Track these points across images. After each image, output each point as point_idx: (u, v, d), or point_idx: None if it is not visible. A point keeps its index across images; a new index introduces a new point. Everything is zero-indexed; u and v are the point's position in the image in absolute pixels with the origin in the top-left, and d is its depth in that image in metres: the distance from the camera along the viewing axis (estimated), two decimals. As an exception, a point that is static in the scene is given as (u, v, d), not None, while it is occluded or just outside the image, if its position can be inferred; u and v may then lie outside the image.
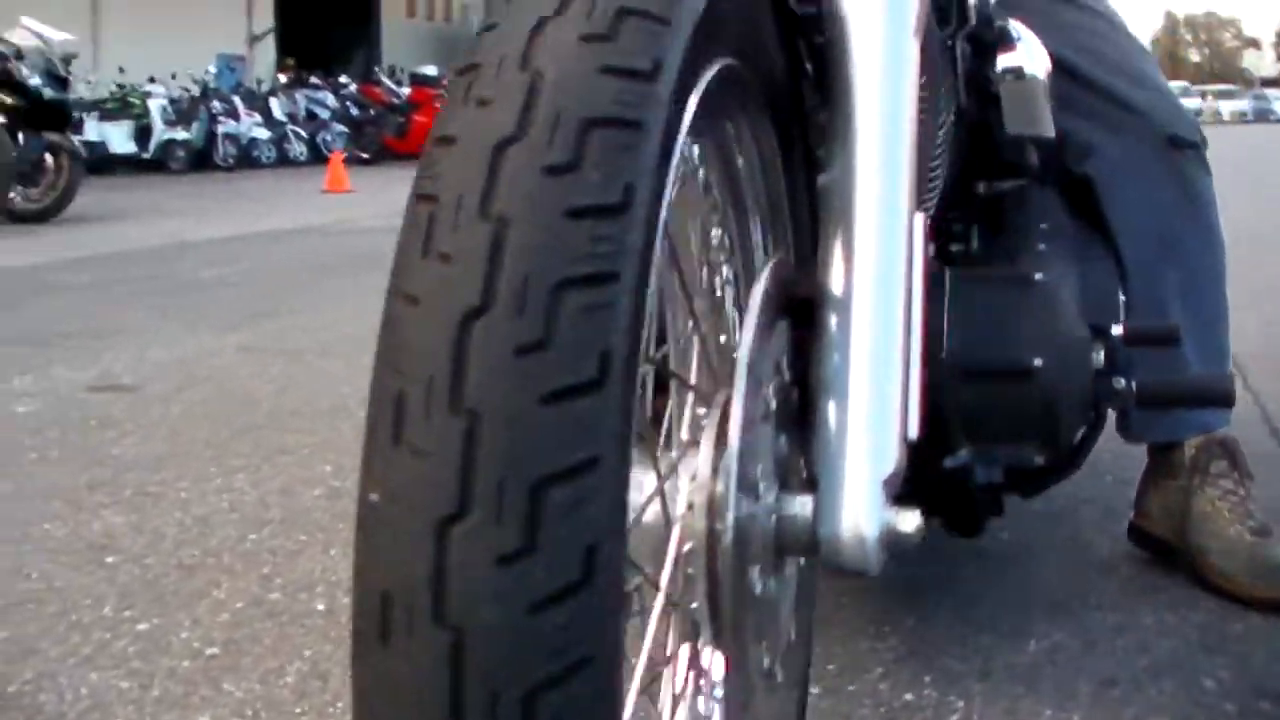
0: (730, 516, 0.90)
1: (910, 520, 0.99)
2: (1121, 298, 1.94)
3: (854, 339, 1.02)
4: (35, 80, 8.09)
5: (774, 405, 0.98)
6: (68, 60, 8.91)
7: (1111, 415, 1.96)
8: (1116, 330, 1.67)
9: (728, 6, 0.91)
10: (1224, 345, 1.99)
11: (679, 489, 0.94)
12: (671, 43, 0.79)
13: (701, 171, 1.14)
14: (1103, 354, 1.73)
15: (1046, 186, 1.95)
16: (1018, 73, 1.65)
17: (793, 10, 1.13)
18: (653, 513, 0.93)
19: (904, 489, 1.54)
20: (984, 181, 1.92)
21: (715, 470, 0.92)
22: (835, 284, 1.04)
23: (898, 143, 1.08)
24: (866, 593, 1.97)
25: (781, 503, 0.99)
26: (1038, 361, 1.60)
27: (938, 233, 1.76)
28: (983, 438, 1.63)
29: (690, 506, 0.93)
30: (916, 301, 1.04)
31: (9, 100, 8.02)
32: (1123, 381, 1.74)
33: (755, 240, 1.21)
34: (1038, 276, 1.66)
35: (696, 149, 1.09)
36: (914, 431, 1.01)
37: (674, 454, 0.99)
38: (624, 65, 0.77)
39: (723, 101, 1.05)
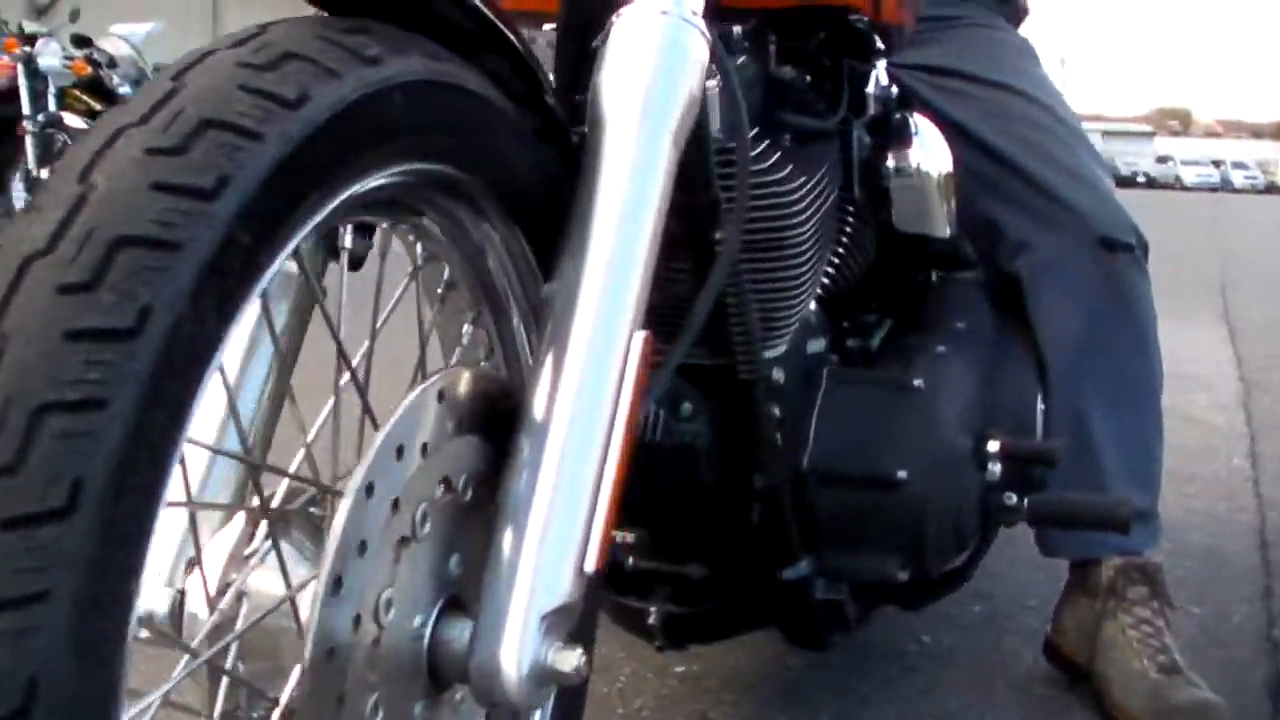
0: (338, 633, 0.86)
1: (569, 659, 0.94)
2: (1040, 406, 1.86)
3: (544, 462, 0.98)
4: (125, 89, 8.29)
5: (424, 525, 0.93)
6: (159, 68, 9.09)
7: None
8: (993, 446, 1.59)
9: (391, 117, 0.88)
10: (1149, 464, 1.89)
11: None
12: (250, 159, 0.76)
13: (448, 270, 1.11)
14: (997, 467, 1.66)
15: (970, 283, 1.88)
16: (906, 170, 1.59)
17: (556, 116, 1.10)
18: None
19: (734, 594, 1.49)
20: (900, 275, 1.87)
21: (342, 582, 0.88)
22: (538, 402, 0.99)
23: (630, 255, 1.04)
24: (747, 692, 1.91)
25: (440, 626, 0.95)
26: (902, 473, 1.53)
27: (837, 327, 1.70)
28: (837, 548, 1.56)
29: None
30: (619, 429, 0.99)
31: (100, 109, 8.24)
32: (1014, 497, 1.67)
33: (520, 341, 1.17)
34: (916, 382, 1.60)
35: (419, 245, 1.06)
36: (592, 564, 0.97)
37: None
38: (181, 182, 0.74)
39: (437, 203, 1.02)
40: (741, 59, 1.39)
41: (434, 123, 0.93)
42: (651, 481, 1.47)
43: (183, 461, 0.86)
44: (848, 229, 1.67)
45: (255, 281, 0.77)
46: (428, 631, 0.94)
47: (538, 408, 0.99)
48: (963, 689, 1.95)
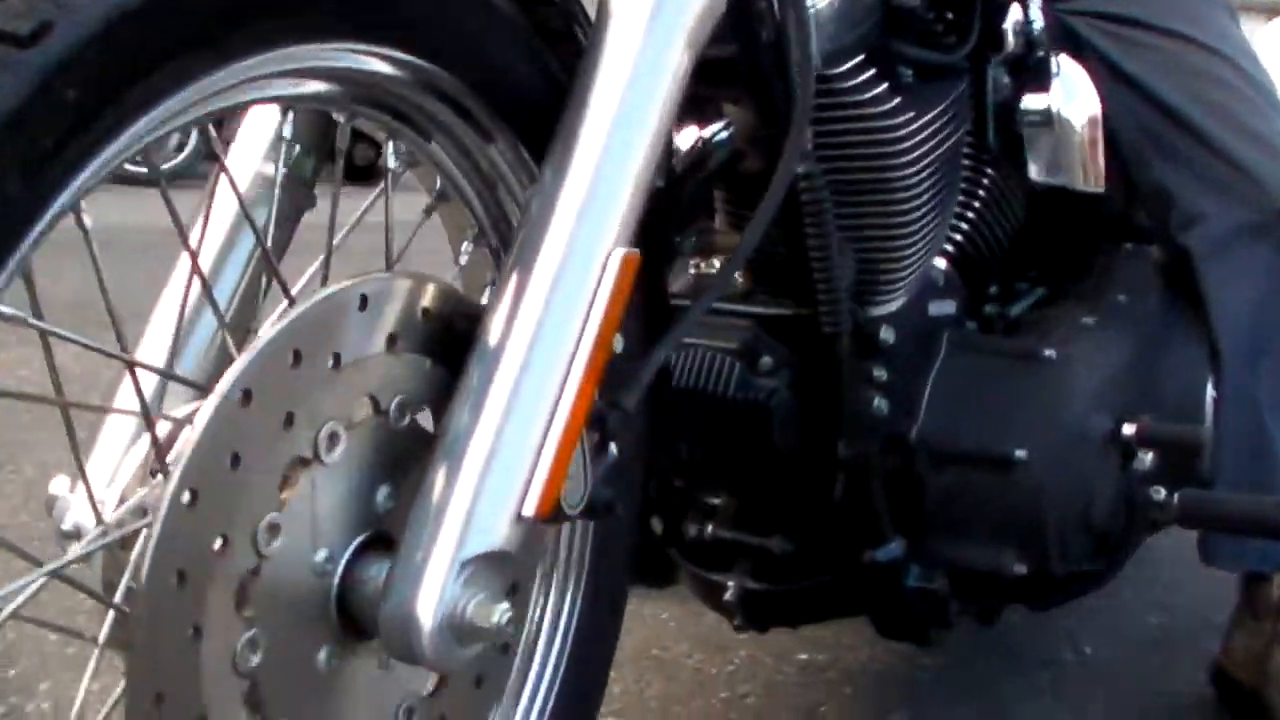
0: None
1: (490, 614, 0.83)
2: (1211, 394, 1.63)
3: (493, 391, 0.86)
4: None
5: (333, 447, 0.83)
6: None
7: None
8: (1129, 429, 1.39)
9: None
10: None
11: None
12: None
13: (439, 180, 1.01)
14: (1147, 456, 1.46)
15: (1139, 255, 1.67)
16: (1042, 114, 1.40)
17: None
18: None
19: (819, 574, 1.34)
20: (1058, 242, 1.67)
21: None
22: (496, 322, 0.88)
23: (620, 164, 0.92)
24: (870, 689, 1.74)
25: (357, 565, 0.85)
26: (1021, 452, 1.36)
27: (976, 290, 1.52)
28: (944, 533, 1.40)
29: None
30: (581, 359, 0.87)
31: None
32: (1163, 492, 1.46)
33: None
34: (1048, 353, 1.41)
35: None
36: (532, 510, 0.85)
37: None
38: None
39: (424, 106, 0.92)
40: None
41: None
42: (721, 440, 1.36)
43: (48, 349, 0.78)
44: (984, 181, 1.49)
45: (90, 155, 0.68)
46: (339, 569, 0.84)
47: (494, 328, 0.88)
48: (1116, 711, 1.74)
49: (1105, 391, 1.45)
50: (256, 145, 1.03)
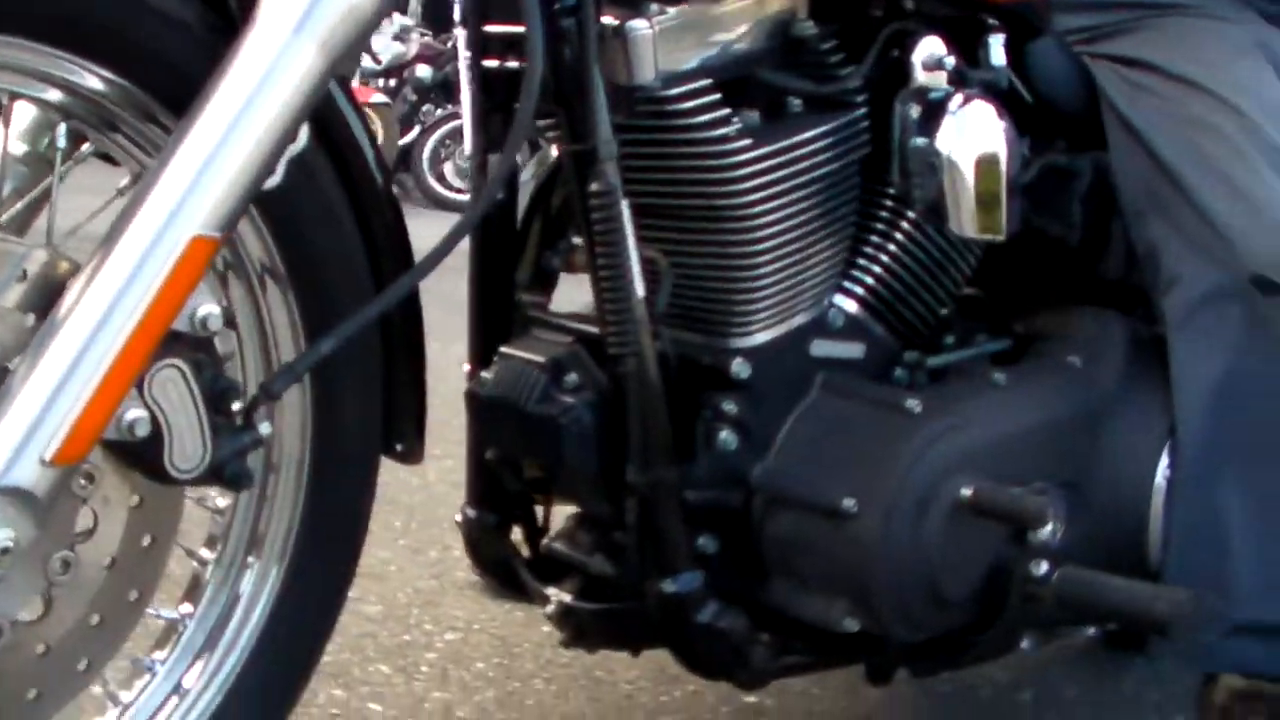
0: None
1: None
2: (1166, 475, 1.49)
3: (51, 345, 0.95)
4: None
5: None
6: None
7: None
8: (965, 493, 1.31)
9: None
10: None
11: None
12: None
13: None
14: (1046, 530, 1.37)
15: (1111, 318, 1.55)
16: (927, 153, 1.34)
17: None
18: None
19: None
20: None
21: None
22: (77, 289, 0.97)
23: (214, 153, 0.98)
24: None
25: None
26: (849, 502, 1.31)
27: (901, 336, 1.46)
28: (777, 578, 1.36)
29: None
30: (129, 327, 0.94)
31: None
32: (1045, 566, 1.36)
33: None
34: (910, 404, 1.35)
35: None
36: (50, 454, 0.92)
37: None
38: None
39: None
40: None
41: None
42: (520, 452, 1.38)
43: None
44: (902, 222, 1.43)
45: None
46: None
47: (76, 292, 0.96)
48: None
49: (977, 454, 1.36)
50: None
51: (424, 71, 8.39)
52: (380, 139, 7.92)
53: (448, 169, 8.32)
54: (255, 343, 1.14)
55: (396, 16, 8.68)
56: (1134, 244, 1.53)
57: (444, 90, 8.37)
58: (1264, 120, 1.49)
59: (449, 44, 7.96)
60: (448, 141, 8.25)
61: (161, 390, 0.98)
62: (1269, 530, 1.45)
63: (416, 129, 8.50)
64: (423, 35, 9.14)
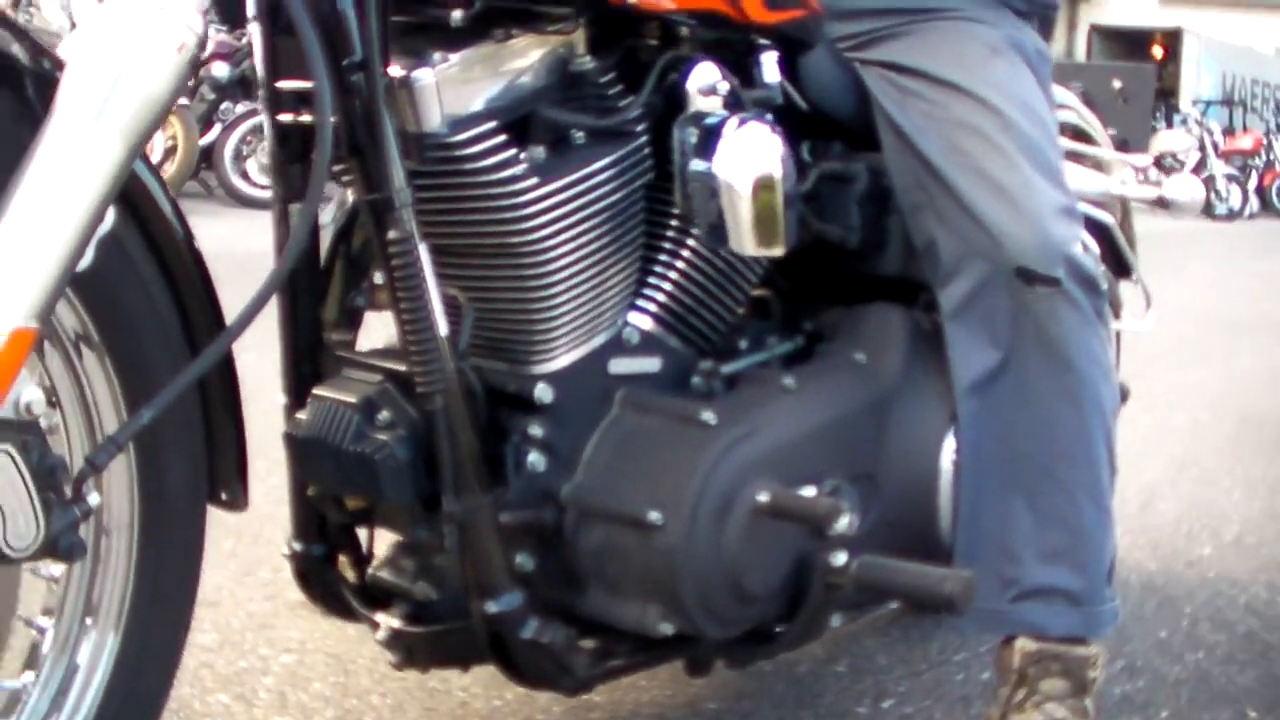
0: None
1: None
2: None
3: None
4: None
5: None
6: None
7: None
8: (763, 498, 1.41)
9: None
10: (1077, 538, 1.58)
11: None
12: None
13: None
14: (844, 521, 1.46)
15: (897, 313, 1.66)
16: (702, 177, 1.42)
17: None
18: None
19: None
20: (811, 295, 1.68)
21: None
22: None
23: (26, 250, 1.02)
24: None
25: None
26: (654, 515, 1.39)
27: (692, 347, 1.54)
28: (593, 591, 1.44)
29: None
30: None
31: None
32: (844, 557, 1.46)
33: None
34: (705, 416, 1.43)
35: None
36: None
37: None
38: None
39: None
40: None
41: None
42: (342, 489, 1.43)
43: None
44: (687, 241, 1.51)
45: None
46: None
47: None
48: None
49: (773, 457, 1.46)
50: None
51: (220, 70, 8.22)
52: (181, 141, 7.77)
53: (251, 166, 8.22)
54: (78, 413, 1.17)
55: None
56: (912, 240, 1.65)
57: (242, 87, 8.22)
58: (1020, 117, 1.61)
59: (243, 39, 7.79)
60: (249, 138, 8.14)
61: (-9, 476, 1.02)
62: (1040, 505, 1.58)
63: (218, 127, 8.35)
64: (218, 31, 8.94)
